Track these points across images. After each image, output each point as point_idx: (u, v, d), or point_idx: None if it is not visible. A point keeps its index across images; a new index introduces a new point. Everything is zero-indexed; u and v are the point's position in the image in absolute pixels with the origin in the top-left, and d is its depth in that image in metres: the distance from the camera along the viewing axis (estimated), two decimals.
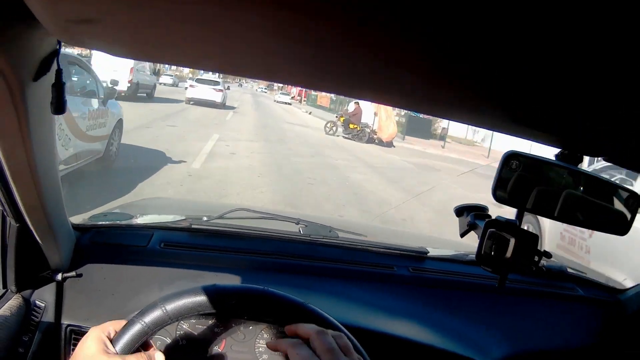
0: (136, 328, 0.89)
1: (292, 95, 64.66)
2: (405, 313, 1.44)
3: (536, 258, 0.85)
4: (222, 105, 27.11)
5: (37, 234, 1.11)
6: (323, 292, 1.41)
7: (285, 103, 54.70)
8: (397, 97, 0.63)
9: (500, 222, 0.84)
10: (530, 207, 0.81)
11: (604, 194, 0.85)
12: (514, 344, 1.44)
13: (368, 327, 1.27)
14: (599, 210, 0.85)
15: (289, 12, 0.38)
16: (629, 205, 0.84)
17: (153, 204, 2.65)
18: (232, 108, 28.76)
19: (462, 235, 1.03)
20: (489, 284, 1.58)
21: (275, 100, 56.51)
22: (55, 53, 0.75)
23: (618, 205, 0.84)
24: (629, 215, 0.84)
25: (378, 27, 0.39)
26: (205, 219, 1.65)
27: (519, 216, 0.84)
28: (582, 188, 0.83)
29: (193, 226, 1.57)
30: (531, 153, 0.81)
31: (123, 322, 0.92)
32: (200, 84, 27.11)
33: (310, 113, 39.70)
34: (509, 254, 0.83)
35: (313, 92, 60.53)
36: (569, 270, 1.75)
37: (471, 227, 0.98)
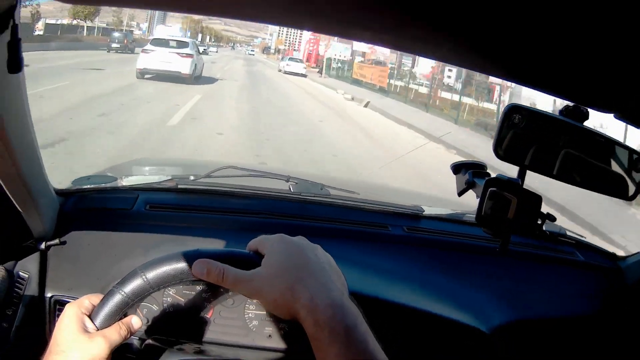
0: (116, 299, 0.84)
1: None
2: (400, 275, 1.40)
3: (539, 221, 0.80)
4: (191, 79, 17.75)
5: (17, 203, 1.07)
6: None
7: (299, 75, 35.50)
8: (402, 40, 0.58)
9: (502, 181, 0.79)
10: (528, 164, 0.76)
11: (609, 154, 0.80)
12: (514, 310, 1.40)
13: (360, 292, 1.22)
14: (602, 172, 0.80)
15: None
16: (637, 168, 0.79)
17: (139, 164, 2.60)
18: (213, 81, 19.67)
19: (460, 194, 0.98)
20: (487, 245, 1.53)
21: (281, 71, 37.51)
22: (13, 8, 0.70)
23: (621, 168, 0.79)
24: (637, 179, 0.79)
25: None
26: (192, 178, 1.62)
27: (521, 175, 0.79)
28: (585, 146, 0.78)
29: (179, 186, 1.53)
30: (534, 107, 0.76)
31: (100, 296, 0.88)
32: (157, 47, 17.98)
33: (367, 105, 19.30)
34: (510, 214, 0.78)
35: (330, 56, 43.37)
36: (569, 233, 1.70)
37: (469, 185, 0.94)
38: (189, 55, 17.99)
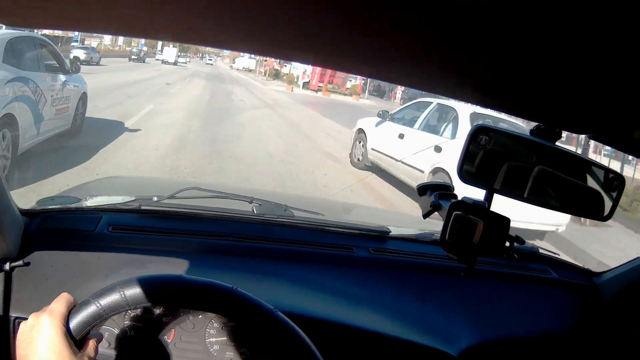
0: (91, 309, 0.85)
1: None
2: (366, 299, 1.38)
3: (507, 243, 0.78)
4: None
5: None
6: (278, 276, 1.36)
7: None
8: (384, 70, 0.57)
9: (467, 204, 0.77)
10: (498, 188, 0.74)
11: (582, 174, 0.79)
12: (484, 331, 1.38)
13: (325, 318, 1.20)
14: (576, 192, 0.79)
15: None
16: (612, 188, 0.78)
17: (105, 184, 2.57)
18: None
19: (425, 216, 0.96)
20: (455, 265, 1.50)
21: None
22: None
23: (597, 187, 0.78)
24: (611, 199, 0.78)
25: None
26: (155, 199, 1.58)
27: (489, 197, 0.77)
28: (557, 168, 0.76)
29: (142, 207, 1.51)
30: (502, 127, 0.74)
31: (64, 297, 0.87)
32: None
33: None
34: (476, 239, 0.76)
35: None
36: (541, 251, 1.70)
37: (435, 207, 0.91)
38: None
